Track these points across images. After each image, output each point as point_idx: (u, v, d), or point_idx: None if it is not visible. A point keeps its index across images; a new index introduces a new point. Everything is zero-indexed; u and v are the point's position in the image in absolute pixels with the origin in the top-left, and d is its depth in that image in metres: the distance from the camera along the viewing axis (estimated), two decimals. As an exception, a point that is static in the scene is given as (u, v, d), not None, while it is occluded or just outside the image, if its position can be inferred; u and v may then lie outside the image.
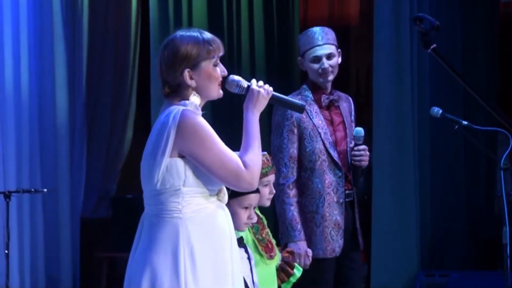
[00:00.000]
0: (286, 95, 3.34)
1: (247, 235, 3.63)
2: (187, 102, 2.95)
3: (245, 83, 3.09)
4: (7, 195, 5.72)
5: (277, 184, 4.27)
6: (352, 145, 4.45)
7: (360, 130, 4.39)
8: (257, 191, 3.50)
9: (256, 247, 3.65)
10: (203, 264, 2.86)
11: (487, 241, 6.97)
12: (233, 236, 2.99)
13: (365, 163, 4.42)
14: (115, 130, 8.44)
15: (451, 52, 6.78)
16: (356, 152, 4.39)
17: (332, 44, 4.43)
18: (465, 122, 4.48)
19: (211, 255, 2.89)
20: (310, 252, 4.26)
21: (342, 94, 4.62)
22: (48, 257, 7.53)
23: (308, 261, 4.23)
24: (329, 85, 4.48)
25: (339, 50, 4.48)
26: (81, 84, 8.05)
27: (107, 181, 8.40)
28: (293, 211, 4.31)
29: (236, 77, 3.10)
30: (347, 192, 4.44)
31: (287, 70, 7.61)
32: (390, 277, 6.46)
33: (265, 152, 3.72)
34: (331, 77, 4.43)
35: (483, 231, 7.06)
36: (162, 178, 2.89)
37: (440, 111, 4.50)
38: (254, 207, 3.56)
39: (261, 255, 3.66)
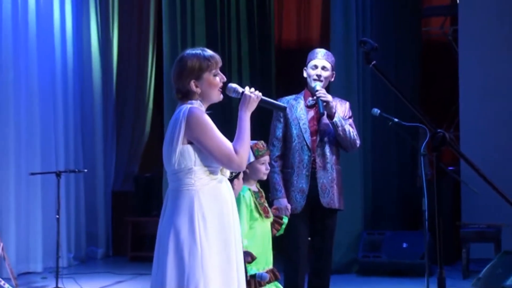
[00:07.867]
0: (266, 94, 3.22)
1: (250, 198, 3.70)
2: (193, 101, 2.92)
3: (240, 89, 3.00)
4: (58, 174, 5.71)
5: None
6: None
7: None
8: (237, 176, 3.50)
9: (256, 207, 3.70)
10: (212, 223, 2.84)
11: (412, 208, 7.09)
12: (233, 202, 2.96)
13: (325, 98, 4.27)
14: (137, 125, 8.45)
15: (387, 66, 6.88)
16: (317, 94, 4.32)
17: (329, 62, 4.39)
18: (396, 120, 4.44)
19: (217, 217, 2.87)
20: (289, 206, 4.28)
21: (338, 99, 4.48)
22: (88, 220, 7.67)
23: (288, 212, 4.23)
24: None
25: (333, 71, 4.42)
26: (111, 88, 8.14)
27: (131, 163, 8.42)
28: (277, 177, 4.31)
29: (234, 85, 3.01)
30: (315, 169, 4.35)
31: (265, 76, 7.66)
32: (340, 235, 6.39)
33: (262, 141, 3.78)
34: (321, 84, 4.38)
35: (409, 200, 7.16)
36: (178, 160, 2.84)
37: (379, 111, 4.46)
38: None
39: (260, 213, 3.70)
